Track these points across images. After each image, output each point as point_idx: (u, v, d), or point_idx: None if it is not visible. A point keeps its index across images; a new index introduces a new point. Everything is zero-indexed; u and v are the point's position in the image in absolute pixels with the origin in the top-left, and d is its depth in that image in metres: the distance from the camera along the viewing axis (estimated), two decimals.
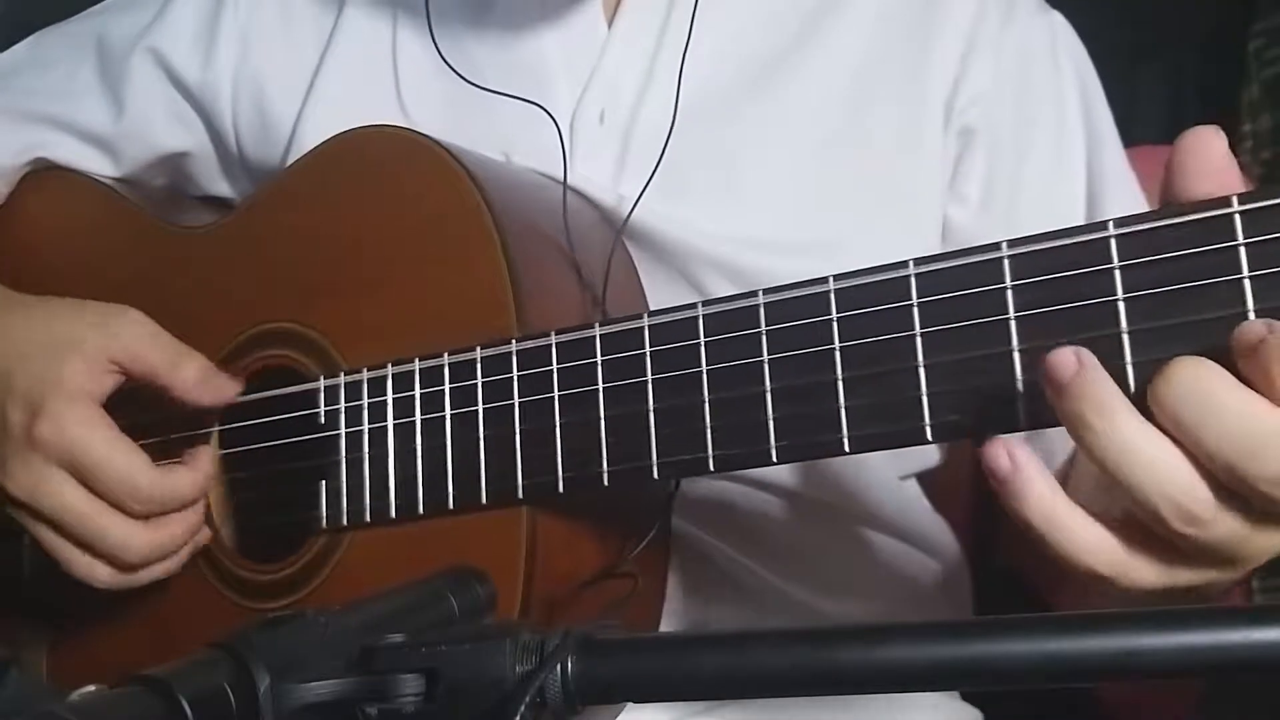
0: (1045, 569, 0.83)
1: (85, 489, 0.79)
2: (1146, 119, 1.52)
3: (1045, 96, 0.92)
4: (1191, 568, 0.54)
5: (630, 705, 0.55)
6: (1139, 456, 0.51)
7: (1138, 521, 0.54)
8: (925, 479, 0.96)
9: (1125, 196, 0.90)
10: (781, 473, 0.85)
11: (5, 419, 0.81)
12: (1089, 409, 0.52)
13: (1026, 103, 0.91)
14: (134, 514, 0.80)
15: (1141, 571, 0.54)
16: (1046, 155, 0.91)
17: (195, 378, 0.82)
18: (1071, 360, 0.52)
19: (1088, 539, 0.54)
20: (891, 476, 0.91)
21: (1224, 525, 0.52)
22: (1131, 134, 0.94)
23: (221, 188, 1.05)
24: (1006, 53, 0.91)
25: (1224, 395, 0.50)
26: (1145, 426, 0.52)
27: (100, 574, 0.81)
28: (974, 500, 1.10)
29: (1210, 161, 0.55)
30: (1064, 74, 0.92)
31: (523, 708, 0.46)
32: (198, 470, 0.82)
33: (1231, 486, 0.51)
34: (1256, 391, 0.50)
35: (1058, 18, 0.95)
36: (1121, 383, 0.55)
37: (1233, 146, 0.53)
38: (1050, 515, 0.54)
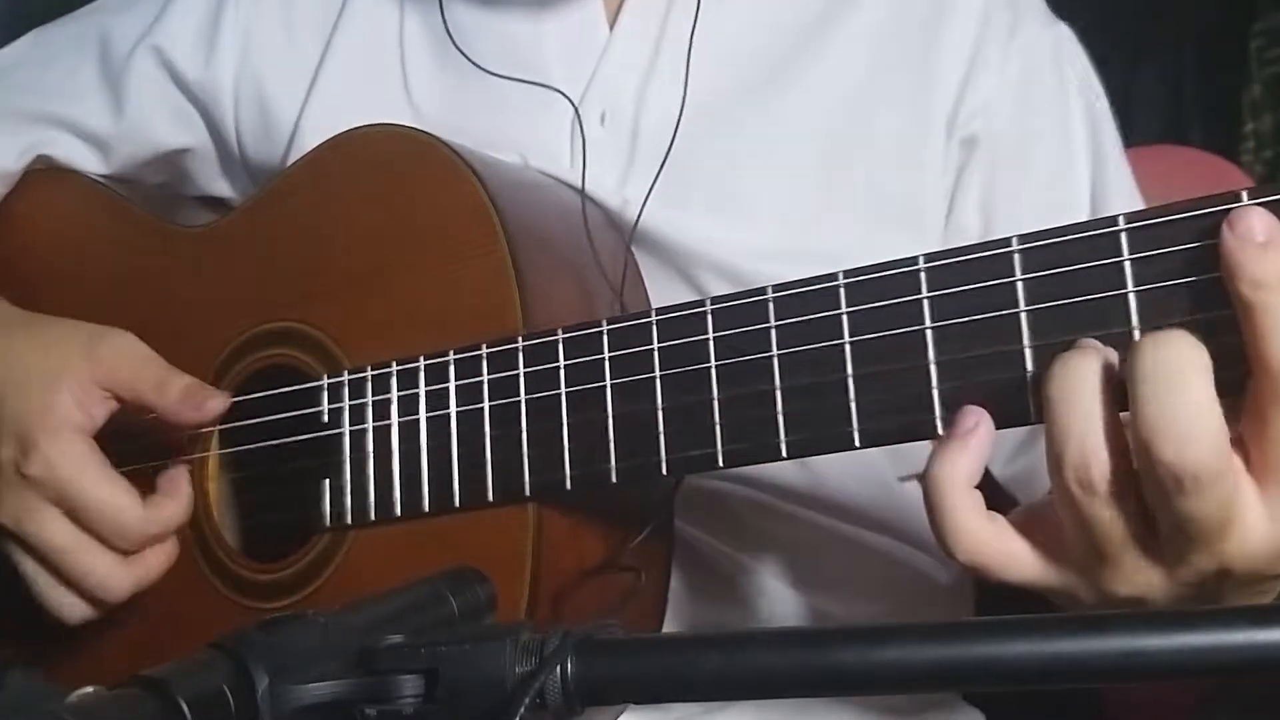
0: None
1: (73, 525, 0.80)
2: (1145, 119, 1.52)
3: (1049, 110, 0.91)
4: (1062, 567, 0.57)
5: (630, 705, 0.55)
6: (1078, 397, 0.54)
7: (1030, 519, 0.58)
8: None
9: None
10: (783, 473, 0.85)
11: None
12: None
13: (1030, 115, 0.91)
14: (120, 550, 0.81)
15: (1013, 566, 0.58)
16: (1049, 168, 0.91)
17: (179, 396, 0.82)
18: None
19: (964, 524, 0.57)
20: (892, 478, 0.91)
21: (1106, 509, 0.54)
22: (1130, 134, 0.94)
23: (220, 187, 1.05)
24: (1011, 64, 0.90)
25: (1196, 382, 0.51)
26: (1094, 378, 0.54)
27: (73, 612, 0.83)
28: None
29: None
30: (1068, 87, 0.92)
31: (523, 709, 0.46)
32: (178, 498, 0.83)
33: (1138, 467, 0.53)
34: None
35: (1064, 30, 0.95)
36: None
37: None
38: (948, 485, 0.57)
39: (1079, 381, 0.54)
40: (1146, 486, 0.53)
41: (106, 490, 0.80)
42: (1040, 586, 0.58)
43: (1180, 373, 0.51)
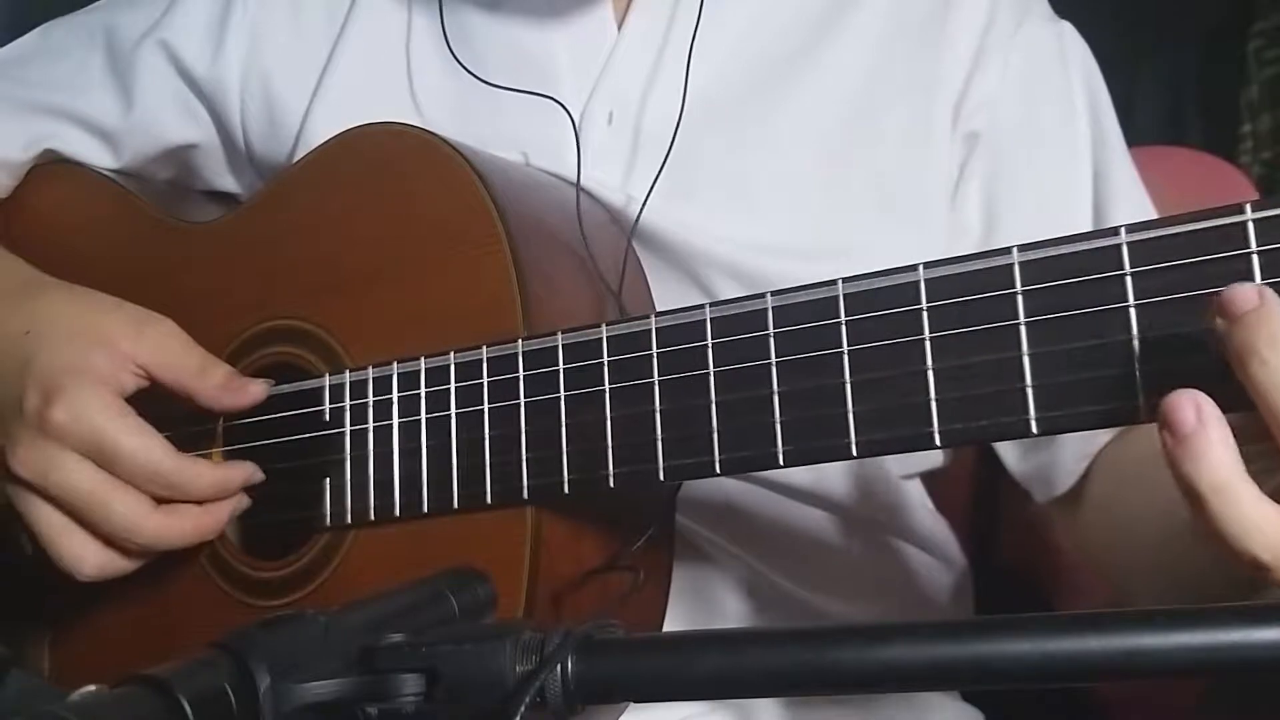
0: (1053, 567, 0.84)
1: (99, 469, 0.79)
2: (1146, 120, 1.52)
3: (1052, 104, 0.91)
4: None
5: (631, 705, 0.55)
6: None
7: None
8: (927, 479, 0.96)
9: (1133, 205, 0.90)
10: (786, 472, 0.85)
11: (21, 401, 0.80)
12: (1263, 340, 0.49)
13: (1033, 109, 0.91)
14: (155, 496, 0.80)
15: None
16: (1052, 162, 0.91)
17: (220, 383, 0.83)
18: (1254, 295, 0.50)
19: (1258, 516, 0.49)
20: (893, 476, 0.91)
21: None
22: (1130, 134, 0.94)
23: (227, 182, 1.05)
24: (1014, 59, 0.91)
25: None
26: None
27: (89, 564, 0.80)
28: (974, 500, 1.10)
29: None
30: (1072, 82, 0.92)
31: (523, 708, 0.46)
32: (222, 470, 0.82)
33: None
34: None
35: (1067, 27, 0.95)
36: (1130, 390, 0.55)
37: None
38: (1225, 484, 0.49)
39: None
40: None
41: (141, 438, 0.79)
42: None
43: None
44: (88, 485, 0.79)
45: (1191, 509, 0.51)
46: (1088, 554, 0.92)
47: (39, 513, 0.80)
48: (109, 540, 0.80)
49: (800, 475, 0.86)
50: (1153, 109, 1.56)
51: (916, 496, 0.95)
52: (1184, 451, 0.50)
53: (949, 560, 0.97)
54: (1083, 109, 0.92)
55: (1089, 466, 0.88)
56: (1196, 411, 0.50)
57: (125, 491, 0.79)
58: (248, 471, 0.83)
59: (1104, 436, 0.86)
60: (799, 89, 0.90)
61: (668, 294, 0.85)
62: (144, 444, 0.79)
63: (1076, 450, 0.87)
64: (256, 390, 0.84)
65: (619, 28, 0.91)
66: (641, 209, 0.84)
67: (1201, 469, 0.50)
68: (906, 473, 0.93)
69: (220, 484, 0.82)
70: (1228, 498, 0.49)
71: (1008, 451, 0.91)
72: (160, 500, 0.80)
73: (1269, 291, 0.50)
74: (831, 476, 0.87)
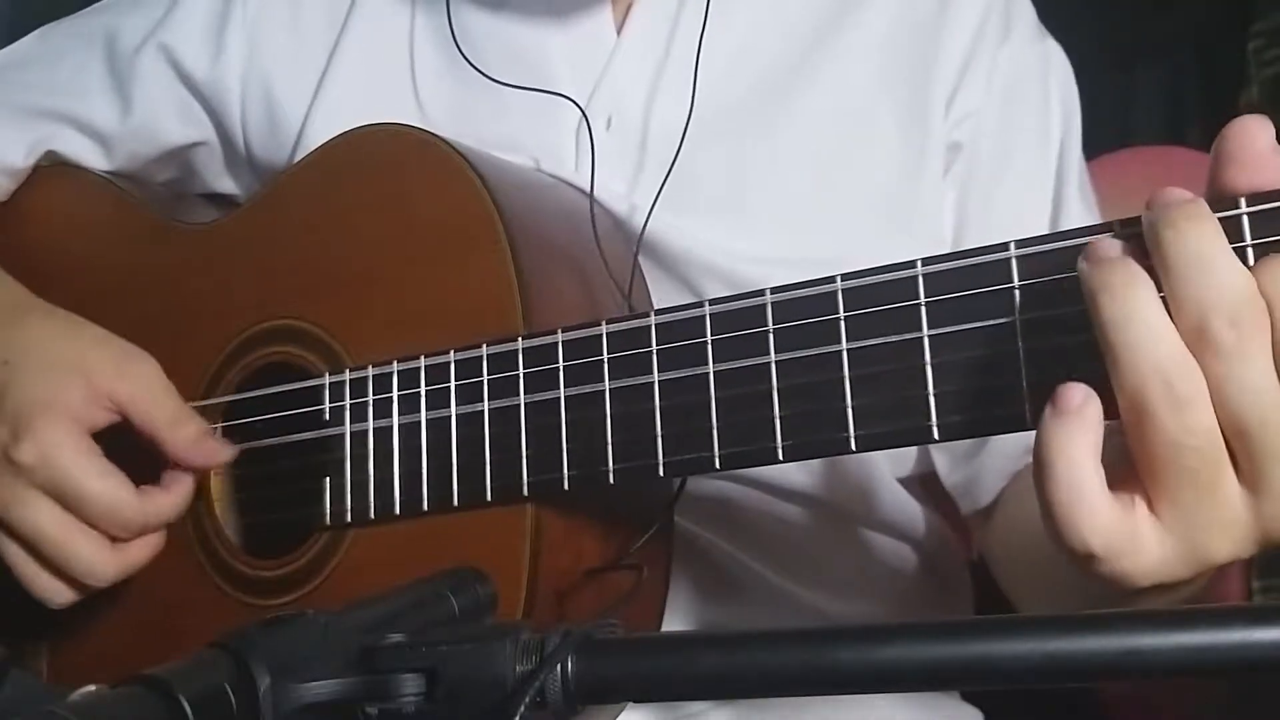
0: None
1: (62, 511, 0.80)
2: (1145, 120, 1.51)
3: (1030, 125, 0.92)
4: (1168, 531, 0.53)
5: (630, 705, 0.55)
6: (1142, 317, 0.51)
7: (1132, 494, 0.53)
8: (927, 481, 0.96)
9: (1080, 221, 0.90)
10: (784, 473, 0.85)
11: None
12: (1118, 278, 0.52)
13: (1011, 128, 0.91)
14: (115, 539, 0.81)
15: (1139, 554, 0.52)
16: (1022, 182, 0.91)
17: (190, 437, 0.83)
18: (1119, 246, 0.54)
19: (1098, 504, 0.52)
20: (890, 478, 0.91)
21: (1204, 416, 0.51)
22: (1130, 135, 0.94)
23: (225, 184, 1.05)
24: (998, 74, 0.91)
25: (1222, 249, 0.51)
26: (1158, 300, 0.51)
27: (60, 596, 0.82)
28: None
29: (1254, 152, 0.53)
30: (1051, 106, 0.93)
31: (523, 708, 0.47)
32: (176, 495, 0.83)
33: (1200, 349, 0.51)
34: None
35: (1053, 46, 0.95)
36: None
37: None
38: (1079, 462, 0.52)
39: (1137, 298, 0.51)
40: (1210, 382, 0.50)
41: (106, 482, 0.80)
42: (1147, 570, 0.53)
43: (1209, 247, 0.50)
44: (50, 529, 0.80)
45: (1038, 482, 0.53)
46: (991, 562, 0.93)
47: (6, 547, 0.82)
48: (71, 581, 0.82)
49: (798, 477, 0.86)
50: (1152, 109, 1.55)
51: (916, 498, 0.95)
52: (1056, 424, 0.52)
53: (948, 560, 0.97)
54: (1055, 134, 0.92)
55: (1006, 486, 0.89)
56: (1085, 398, 0.52)
57: (86, 537, 0.80)
58: (189, 484, 0.84)
59: (1027, 459, 0.86)
60: (802, 99, 0.90)
61: (663, 300, 0.85)
62: (107, 488, 0.80)
63: (1000, 468, 0.89)
64: (226, 454, 0.85)
65: (619, 32, 0.91)
66: (648, 219, 0.83)
67: (1063, 442, 0.52)
68: (904, 474, 0.93)
69: (176, 512, 0.83)
70: (1076, 476, 0.52)
71: (941, 463, 0.92)
72: (121, 540, 0.82)
73: (1131, 250, 0.53)
74: (831, 479, 0.87)
